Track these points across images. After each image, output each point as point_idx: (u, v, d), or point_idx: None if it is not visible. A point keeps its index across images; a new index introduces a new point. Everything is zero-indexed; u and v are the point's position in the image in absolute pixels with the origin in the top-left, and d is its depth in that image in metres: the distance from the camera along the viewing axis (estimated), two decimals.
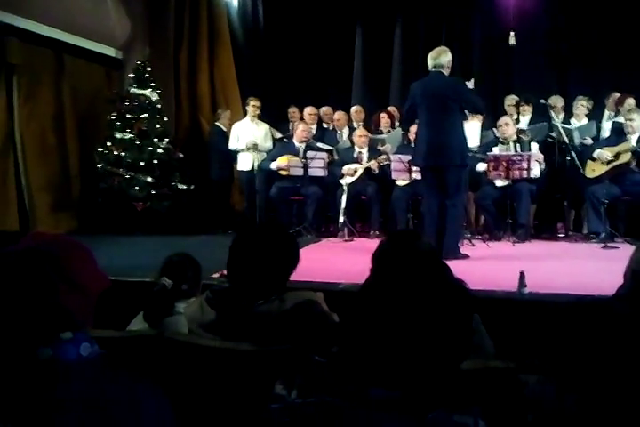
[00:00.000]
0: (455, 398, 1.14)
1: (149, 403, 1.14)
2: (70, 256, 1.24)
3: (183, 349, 1.81)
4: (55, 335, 1.16)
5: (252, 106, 8.03)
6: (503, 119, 7.21)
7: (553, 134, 7.18)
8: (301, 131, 7.74)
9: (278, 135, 8.26)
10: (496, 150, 7.05)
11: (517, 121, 7.57)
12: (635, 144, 6.49)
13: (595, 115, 7.57)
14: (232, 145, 8.04)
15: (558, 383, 1.40)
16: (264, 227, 2.44)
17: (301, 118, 8.39)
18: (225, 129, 8.34)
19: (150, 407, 1.14)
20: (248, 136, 7.87)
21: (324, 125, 8.65)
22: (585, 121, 7.44)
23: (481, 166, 6.95)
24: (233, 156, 8.18)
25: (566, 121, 7.40)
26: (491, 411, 1.29)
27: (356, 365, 1.16)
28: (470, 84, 5.67)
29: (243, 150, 7.89)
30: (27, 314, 1.16)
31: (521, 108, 7.83)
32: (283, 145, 7.88)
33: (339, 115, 8.38)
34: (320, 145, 7.82)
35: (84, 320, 1.26)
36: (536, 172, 6.78)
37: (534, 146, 7.02)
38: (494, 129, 7.61)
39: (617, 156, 6.56)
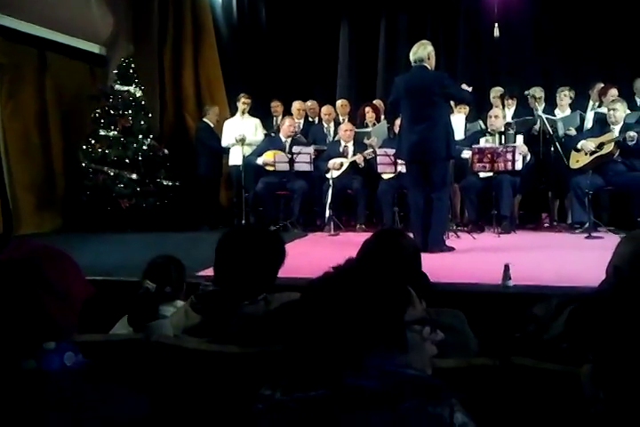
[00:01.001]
0: (427, 390, 1.17)
1: (135, 413, 1.15)
2: (53, 266, 1.24)
3: (169, 352, 1.82)
4: (39, 345, 1.17)
5: (243, 103, 8.02)
6: (493, 111, 7.25)
7: (536, 126, 7.22)
8: (288, 126, 7.74)
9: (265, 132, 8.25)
10: (482, 141, 7.09)
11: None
12: (618, 134, 6.54)
13: (579, 105, 7.61)
14: (224, 142, 8.04)
15: None
16: (249, 227, 2.45)
17: (284, 113, 8.38)
18: (212, 125, 8.32)
19: (136, 418, 1.15)
20: (238, 131, 7.86)
21: (310, 119, 8.64)
22: (568, 111, 7.48)
23: (466, 153, 6.99)
24: (222, 151, 8.20)
25: (550, 112, 7.43)
26: (475, 405, 1.32)
27: (328, 356, 1.20)
28: (466, 87, 5.72)
29: (234, 144, 7.89)
30: (10, 325, 1.17)
31: (506, 101, 7.87)
32: (269, 140, 7.88)
33: (327, 109, 8.32)
34: (315, 147, 7.76)
35: (68, 329, 1.26)
36: (519, 164, 6.81)
37: (519, 138, 7.06)
38: (480, 121, 7.66)
39: (600, 146, 6.61)
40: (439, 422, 1.12)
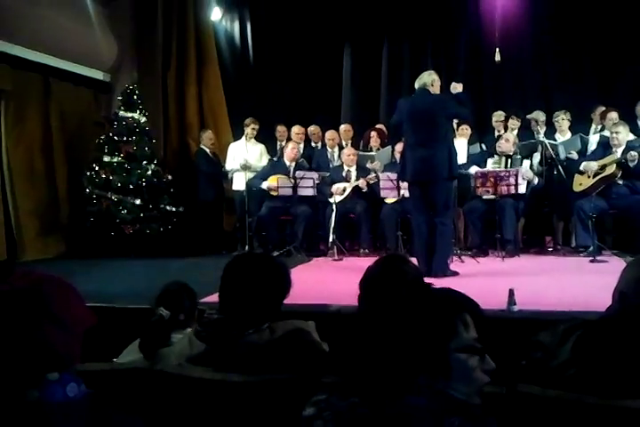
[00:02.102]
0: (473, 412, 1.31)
1: None
2: (56, 296, 1.24)
3: (173, 381, 1.81)
4: (42, 376, 1.17)
5: (252, 128, 8.06)
6: (506, 135, 7.30)
7: (539, 150, 7.24)
8: (291, 149, 7.77)
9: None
10: (490, 162, 7.13)
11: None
12: (620, 156, 6.55)
13: (580, 129, 7.64)
14: (228, 166, 8.08)
15: None
16: (255, 255, 2.45)
17: (289, 138, 8.43)
18: (208, 150, 8.38)
19: None
20: (243, 156, 7.90)
21: (313, 144, 8.68)
22: (569, 135, 7.52)
23: (473, 169, 7.01)
24: (223, 176, 8.23)
25: (550, 135, 7.46)
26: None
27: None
28: (460, 87, 5.73)
29: (237, 170, 7.91)
30: (14, 355, 1.16)
31: (510, 121, 7.90)
32: (273, 164, 7.90)
33: (331, 134, 8.33)
34: (319, 173, 7.74)
35: (71, 359, 1.26)
36: (522, 188, 6.82)
37: (525, 163, 7.07)
38: (482, 144, 7.70)
39: (603, 168, 6.63)
40: None
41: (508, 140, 7.14)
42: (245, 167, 7.73)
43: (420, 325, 1.35)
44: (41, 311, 1.19)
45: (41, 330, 1.18)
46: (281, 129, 8.62)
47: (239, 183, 7.96)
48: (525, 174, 6.88)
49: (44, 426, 1.12)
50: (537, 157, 7.33)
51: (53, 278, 1.28)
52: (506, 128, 7.90)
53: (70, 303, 1.26)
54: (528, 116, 7.39)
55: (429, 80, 5.52)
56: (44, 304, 1.20)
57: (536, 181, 7.06)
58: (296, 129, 8.39)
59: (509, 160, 7.10)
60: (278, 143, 8.58)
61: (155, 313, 2.57)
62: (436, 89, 5.56)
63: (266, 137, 8.59)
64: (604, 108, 7.60)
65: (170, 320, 2.54)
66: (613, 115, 7.25)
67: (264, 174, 7.72)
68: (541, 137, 7.15)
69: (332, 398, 1.31)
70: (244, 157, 7.86)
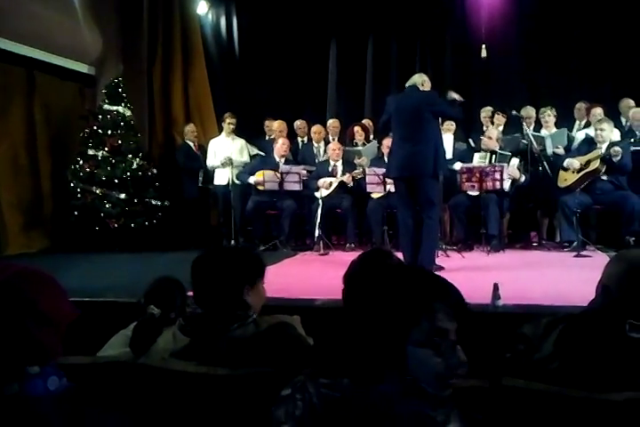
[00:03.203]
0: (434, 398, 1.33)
1: None
2: (38, 288, 1.23)
3: (157, 374, 1.80)
4: (22, 370, 1.15)
5: (228, 123, 8.03)
6: (490, 131, 7.32)
7: (524, 141, 7.25)
8: (281, 145, 7.75)
9: (255, 151, 8.25)
10: (477, 157, 7.15)
11: None
12: (604, 151, 6.59)
13: (565, 125, 7.67)
14: (209, 162, 8.05)
15: None
16: (219, 249, 2.44)
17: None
18: (192, 144, 8.38)
19: None
20: (224, 152, 7.86)
21: (299, 139, 8.66)
22: (554, 130, 7.54)
23: (457, 166, 7.03)
24: (204, 172, 8.22)
25: (537, 131, 7.49)
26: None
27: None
28: (456, 96, 5.72)
29: (219, 167, 7.89)
30: None
31: (495, 117, 7.92)
32: (262, 159, 7.86)
33: (317, 128, 8.33)
34: (304, 167, 7.73)
35: (53, 352, 1.24)
36: (506, 185, 6.84)
37: (514, 161, 7.08)
38: (470, 140, 7.72)
39: (587, 163, 6.66)
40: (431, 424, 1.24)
41: (491, 138, 7.16)
42: (227, 163, 7.70)
43: (386, 314, 1.37)
44: (21, 304, 1.18)
45: (22, 323, 1.17)
46: (268, 123, 8.59)
47: (220, 178, 7.93)
48: (511, 172, 6.90)
49: (24, 420, 1.11)
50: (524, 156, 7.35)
51: (33, 271, 1.27)
52: (492, 124, 7.93)
53: (52, 296, 1.25)
54: (513, 113, 7.38)
55: (420, 80, 5.54)
56: (23, 297, 1.19)
57: (522, 179, 7.07)
58: (276, 125, 8.35)
59: (494, 156, 7.12)
60: (267, 137, 8.56)
61: (145, 311, 2.54)
62: (426, 88, 5.57)
63: (251, 133, 8.57)
64: (586, 105, 7.65)
65: (160, 319, 2.51)
66: (598, 110, 7.29)
67: (253, 169, 7.69)
68: (529, 132, 7.18)
69: (307, 383, 1.36)
70: (224, 152, 7.84)
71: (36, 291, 1.22)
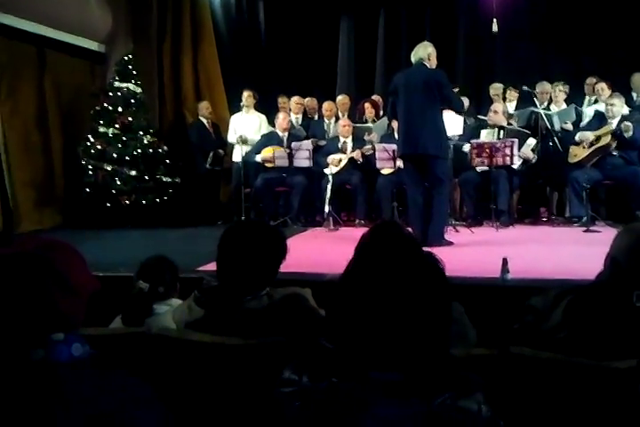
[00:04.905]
0: (457, 384, 1.18)
1: (144, 402, 1.18)
2: (63, 259, 1.27)
3: (172, 345, 1.84)
4: (47, 337, 1.20)
5: (247, 97, 8.02)
6: (495, 105, 7.28)
7: (537, 111, 7.22)
8: (282, 119, 7.76)
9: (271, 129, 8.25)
10: (484, 133, 7.12)
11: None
12: (615, 127, 6.57)
13: (575, 100, 7.63)
14: (230, 138, 8.07)
15: None
16: (251, 222, 2.47)
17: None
18: (206, 121, 8.38)
19: (145, 406, 1.18)
20: (242, 129, 7.86)
21: (309, 116, 8.65)
22: (564, 106, 7.51)
23: (466, 147, 7.02)
24: (216, 147, 8.26)
25: (546, 107, 7.46)
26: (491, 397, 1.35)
27: (353, 350, 1.20)
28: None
29: (236, 144, 7.91)
30: (20, 316, 1.19)
31: (508, 92, 7.88)
32: (266, 136, 7.88)
33: (328, 105, 8.28)
34: (313, 140, 7.72)
35: (76, 321, 1.29)
36: (517, 163, 6.83)
37: (531, 140, 7.03)
38: (479, 116, 7.68)
39: (598, 139, 6.65)
40: (469, 416, 1.15)
41: (497, 112, 7.13)
42: (242, 141, 7.71)
43: (418, 302, 1.21)
44: (49, 273, 1.22)
45: (48, 292, 1.21)
46: (282, 100, 8.58)
47: (237, 155, 7.95)
48: (526, 152, 6.89)
49: (50, 385, 1.15)
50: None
51: (59, 242, 1.31)
52: (504, 100, 7.89)
53: (76, 267, 1.29)
54: (524, 88, 7.34)
55: (425, 54, 5.46)
56: (51, 267, 1.23)
57: (534, 160, 7.06)
58: (296, 99, 8.41)
59: (502, 131, 7.09)
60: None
61: (134, 286, 2.64)
62: (432, 62, 5.50)
63: (264, 109, 8.57)
64: (597, 80, 7.60)
65: (149, 293, 2.60)
66: (602, 85, 7.24)
67: (258, 148, 7.72)
68: (539, 108, 7.15)
69: (303, 379, 1.25)
70: (242, 129, 7.84)
71: (64, 262, 1.26)
